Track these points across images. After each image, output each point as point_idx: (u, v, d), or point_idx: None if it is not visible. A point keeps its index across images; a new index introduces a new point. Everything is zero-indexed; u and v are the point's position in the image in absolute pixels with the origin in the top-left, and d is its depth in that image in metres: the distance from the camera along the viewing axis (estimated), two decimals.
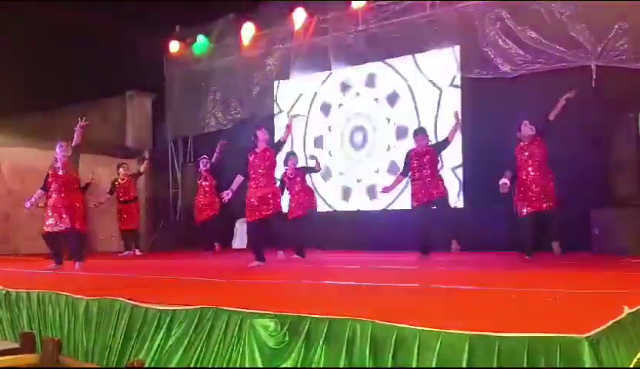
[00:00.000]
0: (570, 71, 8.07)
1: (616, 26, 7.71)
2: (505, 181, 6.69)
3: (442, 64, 9.51)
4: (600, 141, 7.89)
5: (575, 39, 8.04)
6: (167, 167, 13.04)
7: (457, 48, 9.35)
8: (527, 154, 6.75)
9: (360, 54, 10.26)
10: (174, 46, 12.54)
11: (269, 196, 6.61)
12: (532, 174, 6.71)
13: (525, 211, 6.70)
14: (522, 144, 6.81)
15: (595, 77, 7.75)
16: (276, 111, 11.45)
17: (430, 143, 7.59)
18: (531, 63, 8.44)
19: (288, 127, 7.23)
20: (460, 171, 9.23)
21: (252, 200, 6.60)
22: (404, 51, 9.91)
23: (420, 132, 7.61)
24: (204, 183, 9.76)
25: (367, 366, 2.57)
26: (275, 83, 11.50)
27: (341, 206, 10.54)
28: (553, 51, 8.22)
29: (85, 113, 6.74)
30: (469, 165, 9.08)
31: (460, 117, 7.66)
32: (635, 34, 7.61)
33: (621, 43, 7.71)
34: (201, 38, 12.08)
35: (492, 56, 8.74)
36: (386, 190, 7.73)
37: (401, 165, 7.92)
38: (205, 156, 9.89)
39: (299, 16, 10.65)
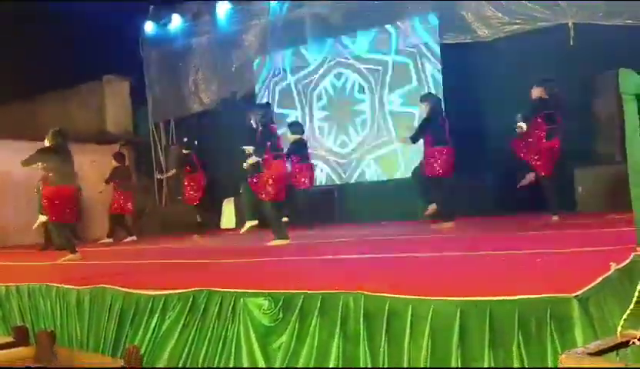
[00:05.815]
0: (548, 31, 8.06)
1: None
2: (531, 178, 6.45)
3: (420, 31, 9.46)
4: (580, 99, 7.92)
5: None
6: (149, 151, 12.92)
7: (434, 14, 9.28)
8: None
9: (337, 27, 10.15)
10: (149, 27, 12.34)
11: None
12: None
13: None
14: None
15: (572, 35, 7.74)
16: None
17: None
18: (508, 25, 8.43)
19: None
20: None
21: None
22: (381, 21, 9.81)
23: (428, 97, 7.04)
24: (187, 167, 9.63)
25: (361, 336, 2.61)
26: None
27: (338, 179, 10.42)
28: (530, 11, 8.21)
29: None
30: (453, 133, 9.01)
31: None
32: None
33: None
34: (176, 18, 11.91)
35: (470, 20, 8.71)
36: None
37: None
38: (186, 138, 9.74)
39: None
